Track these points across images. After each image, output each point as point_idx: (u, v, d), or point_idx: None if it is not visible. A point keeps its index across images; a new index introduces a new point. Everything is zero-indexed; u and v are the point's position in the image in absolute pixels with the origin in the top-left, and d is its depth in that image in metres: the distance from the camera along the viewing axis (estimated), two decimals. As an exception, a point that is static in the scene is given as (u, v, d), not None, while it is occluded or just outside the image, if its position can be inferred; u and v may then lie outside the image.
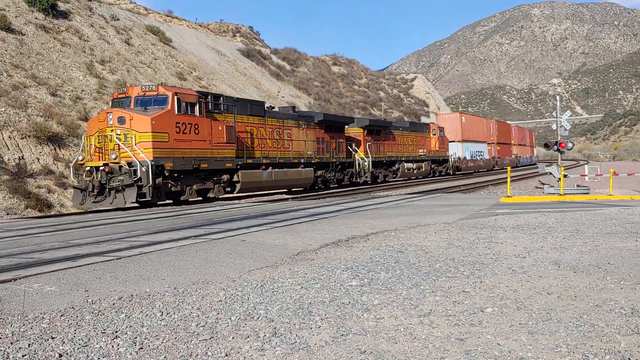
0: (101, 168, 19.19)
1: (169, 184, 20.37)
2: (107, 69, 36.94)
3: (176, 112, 20.26)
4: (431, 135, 44.44)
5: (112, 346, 4.55)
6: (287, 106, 35.96)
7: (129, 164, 18.96)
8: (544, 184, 27.78)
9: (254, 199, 26.56)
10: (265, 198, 26.20)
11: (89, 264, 8.12)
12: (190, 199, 22.09)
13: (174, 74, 43.12)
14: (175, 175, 20.61)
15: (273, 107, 28.89)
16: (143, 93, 20.34)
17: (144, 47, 44.44)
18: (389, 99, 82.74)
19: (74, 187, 20.25)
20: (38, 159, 25.05)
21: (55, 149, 26.29)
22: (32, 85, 29.35)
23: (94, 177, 19.25)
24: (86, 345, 4.56)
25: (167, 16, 59.98)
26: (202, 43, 56.57)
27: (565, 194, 22.32)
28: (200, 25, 66.77)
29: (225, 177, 23.24)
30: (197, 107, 21.21)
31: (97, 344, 4.60)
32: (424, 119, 79.68)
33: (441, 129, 46.63)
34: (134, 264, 8.11)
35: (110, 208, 20.29)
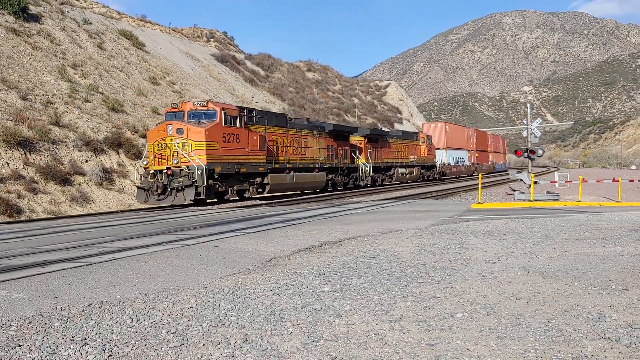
0: (164, 171, 22.42)
1: (217, 185, 23.51)
2: (79, 73, 36.52)
3: (223, 124, 23.56)
4: (420, 143, 47.91)
5: (81, 353, 4.50)
6: (303, 117, 39.85)
7: (188, 167, 22.11)
8: (514, 190, 28.12)
9: (228, 204, 26.47)
10: (239, 204, 26.12)
11: (58, 270, 8.02)
12: (230, 198, 25.30)
13: (147, 79, 42.78)
14: (221, 177, 23.73)
15: (292, 119, 32.15)
16: (195, 108, 23.60)
17: (116, 51, 44.03)
18: (363, 105, 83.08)
19: (138, 187, 23.43)
20: (8, 164, 24.67)
21: (25, 153, 25.91)
22: (1, 89, 28.91)
23: (157, 178, 22.48)
24: (54, 353, 4.50)
25: (141, 20, 59.55)
26: (175, 48, 56.24)
27: (536, 200, 22.63)
28: (174, 30, 66.41)
29: (258, 179, 26.41)
30: (238, 120, 24.56)
31: (65, 351, 4.55)
32: (397, 126, 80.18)
33: (429, 137, 49.74)
34: (105, 270, 8.03)
35: (157, 206, 23.72)
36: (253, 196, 26.32)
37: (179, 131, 22.55)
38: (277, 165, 27.44)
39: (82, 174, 27.15)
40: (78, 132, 29.54)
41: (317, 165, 31.39)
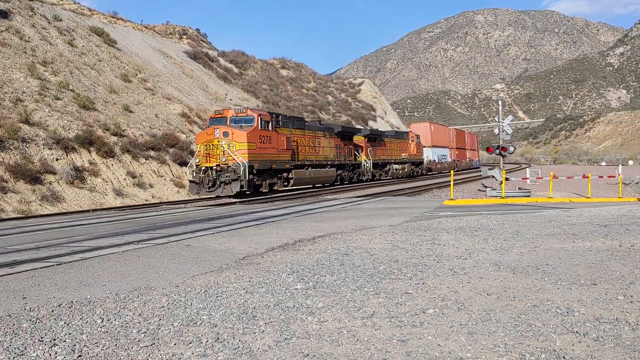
0: (214, 167, 25.84)
1: (255, 179, 26.96)
2: (49, 70, 35.95)
3: (259, 128, 27.30)
4: (410, 141, 51.63)
5: (50, 354, 4.44)
6: (315, 120, 44.51)
7: (234, 165, 25.67)
8: (486, 186, 28.39)
9: (201, 202, 26.33)
10: (212, 202, 26.03)
11: (27, 270, 7.91)
12: (264, 190, 28.74)
13: (119, 76, 42.28)
14: (258, 173, 27.17)
15: (307, 122, 35.54)
16: (236, 114, 27.41)
17: (87, 48, 43.42)
18: (337, 103, 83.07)
19: (190, 181, 26.75)
20: (-25, 163, 24.20)
21: (-7, 152, 25.45)
22: (-32, 86, 28.34)
23: (208, 173, 25.86)
24: (22, 354, 4.44)
25: (112, 17, 58.79)
26: (147, 45, 55.65)
27: (507, 196, 22.87)
28: (146, 27, 65.69)
29: (284, 174, 30.21)
30: (270, 124, 28.29)
31: (33, 352, 4.49)
32: (371, 123, 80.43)
33: (417, 136, 53.50)
34: (75, 270, 7.93)
35: (206, 196, 27.07)
36: (280, 188, 30.55)
37: (225, 134, 26.19)
38: (298, 162, 31.36)
39: (53, 172, 26.75)
40: (48, 130, 29.08)
41: (328, 162, 35.36)
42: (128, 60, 46.97)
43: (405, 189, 32.43)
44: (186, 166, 35.08)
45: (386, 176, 45.96)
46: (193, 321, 5.31)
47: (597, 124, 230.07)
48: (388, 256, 8.64)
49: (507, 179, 24.40)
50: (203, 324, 5.21)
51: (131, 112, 37.30)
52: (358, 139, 41.19)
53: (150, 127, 36.95)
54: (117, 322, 5.31)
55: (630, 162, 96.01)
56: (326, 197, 27.57)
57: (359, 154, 40.49)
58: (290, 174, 30.45)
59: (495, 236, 10.68)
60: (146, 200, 29.25)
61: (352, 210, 18.37)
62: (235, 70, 68.04)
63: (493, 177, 24.71)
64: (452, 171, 25.77)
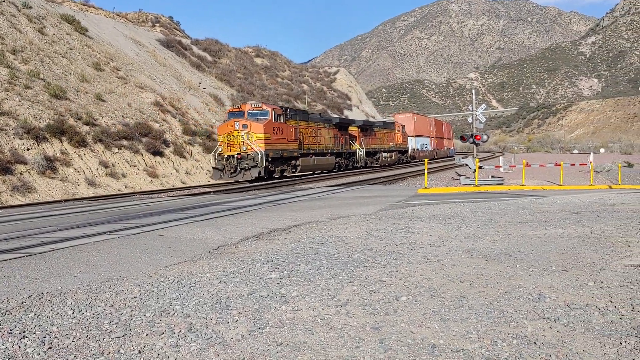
0: (235, 156, 29.55)
1: (269, 166, 30.48)
2: (19, 58, 35.29)
3: (273, 120, 30.90)
4: (397, 131, 55.02)
5: (19, 347, 4.36)
6: (316, 112, 47.07)
7: (252, 153, 29.30)
8: (460, 175, 28.62)
9: (175, 192, 26.14)
10: (186, 192, 25.85)
11: (-4, 262, 7.77)
12: (276, 176, 32.03)
13: (91, 65, 41.65)
14: (272, 160, 30.69)
15: (309, 114, 38.73)
16: (252, 108, 31.23)
17: (58, 36, 42.67)
18: (313, 92, 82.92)
19: (214, 168, 30.76)
20: (-58, 153, 23.71)
21: (-39, 142, 24.96)
22: None
23: (230, 161, 29.65)
24: (-10, 347, 4.36)
25: (83, 5, 57.92)
26: (119, 33, 54.88)
27: (481, 184, 23.08)
28: (118, 15, 64.84)
29: (293, 162, 33.92)
30: (281, 117, 32.15)
31: (2, 344, 4.41)
32: (346, 112, 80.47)
33: (403, 126, 57.48)
34: (46, 261, 7.82)
35: (227, 181, 30.78)
36: (289, 174, 34.14)
37: (244, 126, 29.81)
38: (304, 151, 35.00)
39: (24, 162, 26.33)
40: (19, 119, 28.59)
41: (328, 151, 39.00)
42: (100, 48, 46.30)
43: (380, 177, 32.55)
44: (159, 156, 34.94)
45: (376, 164, 49.34)
46: (166, 311, 5.27)
47: (569, 113, 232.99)
48: (362, 244, 8.66)
49: (480, 167, 24.61)
50: (176, 314, 5.16)
51: (103, 101, 36.83)
52: (352, 130, 44.74)
53: (122, 116, 36.53)
54: (88, 313, 5.24)
55: (602, 150, 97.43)
56: (302, 186, 27.57)
57: (353, 143, 44.29)
58: (297, 161, 34.33)
59: (468, 224, 10.75)
60: (119, 190, 28.97)
61: (327, 199, 18.38)
62: (209, 58, 67.48)
63: (467, 165, 24.90)
64: (426, 160, 25.93)
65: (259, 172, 29.06)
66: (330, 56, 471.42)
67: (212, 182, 33.76)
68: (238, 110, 31.69)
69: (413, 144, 61.84)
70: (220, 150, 30.44)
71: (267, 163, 29.70)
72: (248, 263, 7.45)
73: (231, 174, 29.42)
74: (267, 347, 4.26)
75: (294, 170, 34.21)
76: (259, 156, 29.09)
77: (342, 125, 42.48)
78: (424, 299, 5.50)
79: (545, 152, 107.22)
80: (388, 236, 9.43)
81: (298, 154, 33.96)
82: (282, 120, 31.99)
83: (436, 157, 69.96)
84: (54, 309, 5.43)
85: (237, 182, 30.27)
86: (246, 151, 29.42)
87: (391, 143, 52.97)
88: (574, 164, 30.06)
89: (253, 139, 29.49)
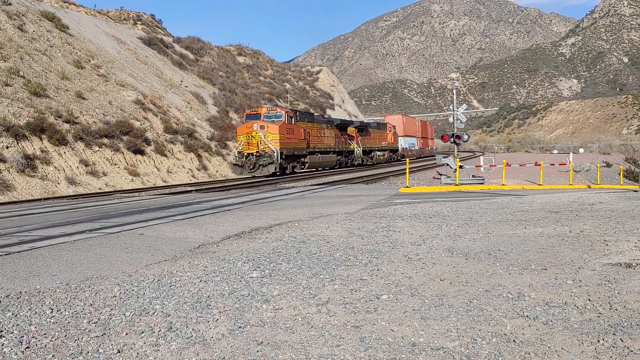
0: (254, 153, 33.02)
1: (283, 163, 33.81)
2: (-4, 55, 34.82)
3: (286, 122, 34.43)
4: (388, 131, 58.29)
5: (-4, 347, 4.31)
6: (320, 114, 52.54)
7: (269, 151, 32.70)
8: (441, 174, 28.74)
9: (156, 191, 25.99)
10: (168, 190, 25.72)
11: (-27, 262, 7.66)
12: (288, 172, 35.24)
13: (71, 62, 41.20)
14: (285, 158, 34.03)
15: (315, 116, 42.53)
16: (268, 111, 34.83)
17: (38, 33, 42.14)
18: (295, 91, 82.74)
19: (234, 164, 34.83)
20: None
21: (-62, 139, 24.57)
22: None
23: (250, 158, 33.19)
24: (-34, 347, 4.30)
25: (64, 2, 57.19)
26: (101, 30, 54.36)
27: (461, 184, 23.21)
28: (99, 12, 64.22)
29: (302, 159, 37.18)
30: (293, 119, 35.66)
31: (-21, 345, 4.35)
32: (329, 112, 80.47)
33: (394, 127, 61.05)
34: (24, 260, 7.72)
35: (248, 176, 34.51)
36: (298, 170, 37.19)
37: (262, 127, 33.28)
38: (311, 150, 38.24)
39: (3, 160, 26.00)
40: (-3, 117, 28.21)
41: (331, 150, 42.19)
42: (80, 46, 45.85)
43: (362, 176, 32.62)
44: (141, 154, 34.74)
45: (371, 162, 52.38)
46: (145, 311, 5.23)
47: (549, 113, 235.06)
48: (344, 243, 8.67)
49: (461, 167, 24.76)
50: (156, 314, 5.13)
51: (84, 98, 36.49)
52: (351, 130, 47.94)
53: (103, 114, 36.23)
54: (67, 313, 5.19)
55: (581, 150, 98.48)
56: (284, 185, 27.52)
57: (351, 142, 47.51)
58: (306, 158, 37.68)
59: (449, 223, 10.81)
60: (99, 189, 28.72)
61: (310, 198, 18.37)
62: (191, 56, 67.11)
63: (448, 165, 25.02)
64: (407, 160, 26.04)
65: (275, 168, 32.62)
66: (313, 55, 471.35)
67: (194, 180, 35.09)
68: (255, 113, 35.21)
69: (402, 143, 64.98)
70: (240, 149, 33.94)
71: (281, 160, 33.21)
72: (229, 262, 7.43)
73: (250, 169, 33.09)
74: (247, 346, 4.25)
75: (302, 166, 37.57)
76: (275, 154, 32.62)
77: (342, 126, 46.00)
78: (404, 297, 5.52)
79: (526, 152, 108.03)
80: (369, 235, 9.45)
81: (306, 152, 37.49)
82: (293, 122, 35.52)
83: (422, 155, 73.84)
84: (32, 308, 5.38)
85: (254, 177, 33.68)
86: (263, 149, 32.83)
87: (384, 142, 56.34)
88: (553, 164, 30.34)
89: (269, 139, 32.95)
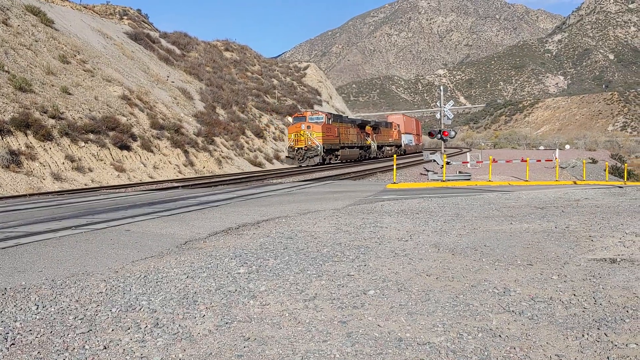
0: (304, 147, 41.18)
1: (324, 155, 41.61)
2: (-20, 49, 34.46)
3: (326, 123, 42.50)
4: (394, 129, 66.32)
5: (-20, 344, 4.27)
6: (346, 115, 62.33)
7: (315, 146, 40.87)
8: (428, 170, 28.83)
9: (142, 187, 25.87)
10: (154, 186, 25.61)
11: (-43, 258, 7.59)
12: (327, 163, 42.58)
13: (57, 57, 40.87)
14: (325, 152, 41.86)
15: (342, 117, 50.15)
16: (312, 114, 43.07)
17: (23, 28, 41.75)
18: (283, 86, 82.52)
19: (287, 156, 42.98)
20: None
21: None
22: None
23: (299, 151, 41.28)
24: (-50, 344, 4.26)
25: (48, -5, 56.60)
26: (86, 25, 53.95)
27: (448, 180, 23.29)
28: (85, 7, 63.69)
29: (336, 153, 44.66)
30: (330, 120, 43.67)
31: (-37, 342, 4.31)
32: (316, 107, 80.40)
33: (398, 125, 69.16)
34: (9, 257, 7.67)
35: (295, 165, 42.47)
36: (333, 162, 44.44)
37: (308, 127, 41.45)
38: (342, 145, 45.77)
39: (-14, 156, 25.76)
40: (-19, 112, 27.94)
41: (355, 145, 49.97)
42: (66, 40, 45.48)
43: (350, 172, 32.66)
44: (127, 150, 34.62)
45: (382, 155, 60.07)
46: (132, 307, 5.21)
47: (535, 109, 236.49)
48: (332, 239, 8.68)
49: (448, 163, 24.84)
50: (142, 310, 5.11)
51: (70, 94, 36.21)
52: (367, 128, 55.38)
53: (89, 109, 35.98)
54: (52, 309, 5.16)
55: (567, 147, 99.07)
56: (272, 181, 27.49)
57: (368, 138, 55.08)
58: (338, 152, 45.29)
59: (435, 218, 10.85)
60: (85, 185, 28.54)
61: (297, 194, 18.37)
62: (178, 51, 66.76)
63: (434, 161, 25.10)
64: (394, 156, 26.09)
65: (320, 159, 40.82)
66: (301, 51, 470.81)
67: (181, 176, 35.20)
68: (302, 115, 43.41)
69: (404, 139, 72.72)
70: (291, 144, 42.27)
71: (323, 153, 41.23)
72: (216, 258, 7.41)
73: (300, 160, 41.25)
74: (234, 341, 4.25)
75: (335, 159, 45.16)
76: (319, 148, 40.97)
77: (362, 125, 54.13)
78: (391, 292, 5.53)
79: (512, 149, 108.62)
80: (357, 231, 9.47)
81: (338, 147, 45.20)
82: (330, 123, 43.51)
83: (417, 150, 79.51)
84: (18, 304, 5.34)
85: (300, 166, 41.36)
86: (310, 145, 41.05)
87: (391, 139, 64.27)
88: (539, 160, 30.54)
89: (314, 136, 41.16)
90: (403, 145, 71.46)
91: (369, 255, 7.34)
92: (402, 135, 71.60)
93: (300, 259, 7.24)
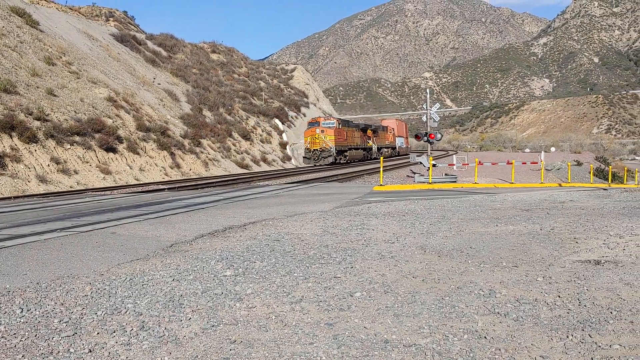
0: (319, 149, 46.15)
1: (336, 156, 46.55)
2: (-36, 51, 34.17)
3: (337, 127, 47.56)
4: (389, 133, 70.70)
5: (-36, 348, 4.24)
6: (350, 119, 67.47)
7: (328, 148, 45.82)
8: (415, 172, 28.91)
9: (128, 189, 25.74)
10: (140, 189, 25.48)
11: (-60, 261, 7.51)
12: (337, 162, 47.18)
13: (42, 59, 40.58)
14: (337, 153, 46.68)
15: (348, 122, 55.52)
16: (325, 120, 48.65)
17: (8, 29, 41.43)
18: (270, 88, 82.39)
19: (304, 157, 48.67)
20: None
21: None
22: None
23: (315, 152, 46.46)
24: None
25: (33, -3, 56.20)
26: (72, 27, 53.61)
27: (434, 182, 23.37)
28: (70, 9, 63.25)
29: (344, 154, 49.15)
30: (340, 125, 48.58)
31: (-55, 346, 4.27)
32: (303, 110, 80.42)
33: (393, 129, 73.83)
34: (-7, 260, 7.59)
35: (310, 165, 47.32)
36: (342, 162, 48.81)
37: (322, 131, 46.50)
38: (349, 147, 50.62)
39: (-30, 158, 25.52)
40: (-36, 114, 27.68)
41: (359, 147, 54.73)
42: (52, 42, 45.18)
43: (337, 175, 32.68)
44: (113, 152, 34.47)
45: (380, 156, 64.03)
46: (117, 310, 5.19)
47: (521, 112, 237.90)
48: (318, 241, 8.68)
49: (434, 166, 24.92)
50: (128, 313, 5.09)
51: (55, 96, 35.97)
52: (369, 132, 59.80)
53: (75, 111, 35.75)
54: (37, 312, 5.12)
55: (552, 149, 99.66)
56: (258, 183, 27.44)
57: (369, 141, 59.69)
58: (347, 153, 50.04)
59: (422, 220, 10.89)
60: (71, 187, 28.34)
61: (284, 196, 18.35)
62: (164, 53, 66.52)
63: (421, 163, 25.18)
64: (381, 158, 26.15)
65: (333, 159, 46.03)
66: (288, 53, 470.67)
67: (167, 179, 34.74)
68: (316, 121, 48.93)
69: (397, 142, 76.94)
70: (307, 146, 47.46)
71: (335, 154, 46.32)
72: (202, 261, 7.39)
73: (315, 160, 46.45)
74: (220, 344, 4.24)
75: (344, 160, 49.47)
76: (332, 150, 46.16)
77: (364, 129, 58.97)
78: (377, 294, 5.55)
79: (498, 151, 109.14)
80: (343, 233, 9.48)
81: (347, 149, 50.12)
82: (340, 127, 48.66)
83: (407, 152, 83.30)
84: (2, 308, 5.30)
85: (314, 165, 46.51)
86: (324, 147, 46.21)
87: (387, 142, 68.99)
88: (525, 163, 30.71)
89: (327, 139, 46.33)
90: (397, 147, 76.32)
91: (355, 258, 7.35)
92: (396, 138, 76.26)
93: (286, 261, 7.24)
